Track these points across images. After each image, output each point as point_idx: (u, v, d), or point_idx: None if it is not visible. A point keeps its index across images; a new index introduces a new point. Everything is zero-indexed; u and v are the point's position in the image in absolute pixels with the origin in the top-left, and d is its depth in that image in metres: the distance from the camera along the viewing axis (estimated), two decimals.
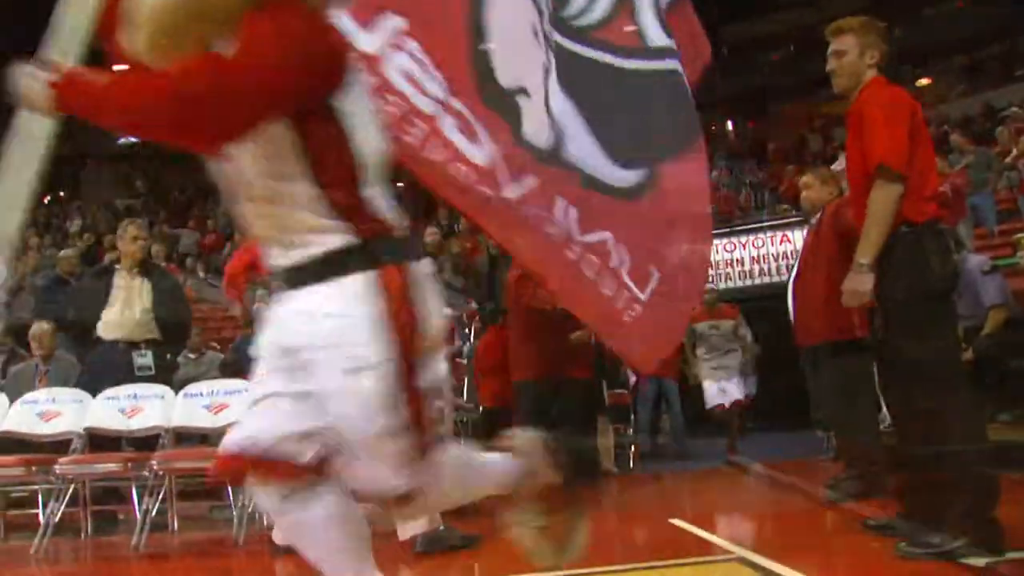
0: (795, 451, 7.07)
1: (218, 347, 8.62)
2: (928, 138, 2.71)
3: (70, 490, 4.09)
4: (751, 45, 23.39)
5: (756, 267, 11.29)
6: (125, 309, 4.67)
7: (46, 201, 22.38)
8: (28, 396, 4.55)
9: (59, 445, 4.33)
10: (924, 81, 19.29)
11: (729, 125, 23.63)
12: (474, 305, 8.47)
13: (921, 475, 2.80)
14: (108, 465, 3.95)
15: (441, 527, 3.33)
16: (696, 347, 7.63)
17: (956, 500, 2.46)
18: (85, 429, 4.27)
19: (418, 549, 3.23)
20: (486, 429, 6.17)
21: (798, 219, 10.79)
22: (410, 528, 3.26)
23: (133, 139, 23.68)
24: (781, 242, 11.20)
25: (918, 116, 2.65)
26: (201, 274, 14.06)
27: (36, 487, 4.24)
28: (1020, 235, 4.38)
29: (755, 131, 22.79)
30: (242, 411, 1.65)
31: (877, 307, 2.67)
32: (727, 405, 7.45)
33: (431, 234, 9.30)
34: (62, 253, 8.39)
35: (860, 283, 2.58)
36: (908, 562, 2.46)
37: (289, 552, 3.31)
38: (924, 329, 2.54)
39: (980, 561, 2.36)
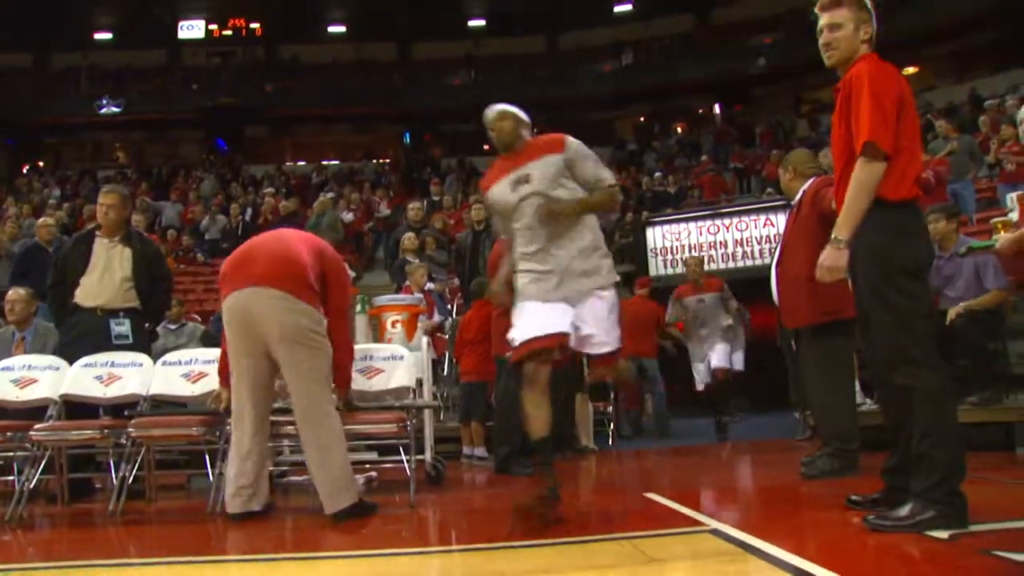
0: (775, 432, 7.16)
1: (199, 319, 8.58)
2: (915, 118, 2.71)
3: (46, 457, 4.06)
4: (739, 29, 23.37)
5: (739, 250, 11.34)
6: (104, 276, 4.62)
7: (25, 171, 22.09)
8: (4, 363, 4.50)
9: (36, 412, 4.30)
10: (911, 69, 19.37)
11: (716, 109, 23.64)
12: (456, 281, 8.47)
13: (894, 450, 2.87)
14: (84, 432, 3.92)
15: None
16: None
17: (925, 474, 2.50)
18: (61, 396, 4.25)
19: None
20: (465, 404, 6.21)
21: (782, 202, 10.85)
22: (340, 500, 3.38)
23: (115, 109, 23.51)
24: (765, 225, 11.25)
25: (907, 95, 2.65)
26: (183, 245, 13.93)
27: (11, 454, 4.21)
28: (996, 220, 4.42)
29: (742, 115, 22.82)
30: None
31: (855, 286, 2.70)
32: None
33: (415, 209, 9.25)
34: (40, 220, 8.28)
35: (836, 259, 2.61)
36: (876, 534, 2.51)
37: (245, 518, 3.42)
38: (898, 307, 2.57)
39: (945, 533, 2.41)
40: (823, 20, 2.82)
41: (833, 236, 2.62)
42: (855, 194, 2.58)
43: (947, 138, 9.92)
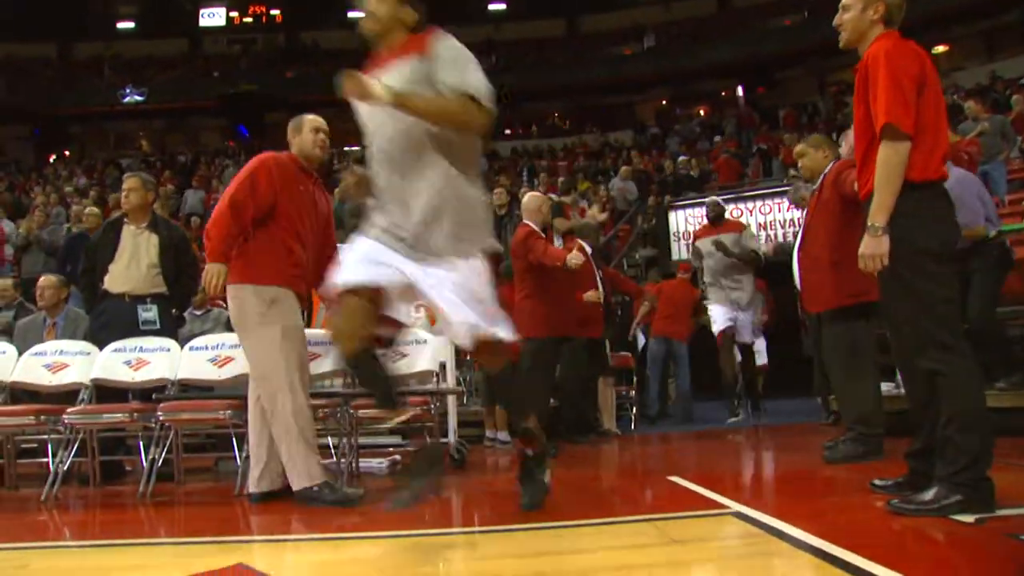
0: (795, 417, 7.13)
1: (223, 304, 8.66)
2: (939, 97, 2.67)
3: (78, 440, 4.15)
4: (762, 11, 23.06)
5: (763, 233, 11.25)
6: (131, 263, 4.70)
7: (52, 160, 22.42)
8: (36, 348, 4.61)
9: (68, 396, 4.40)
10: (940, 48, 19.01)
11: (739, 91, 23.37)
12: None
13: (919, 434, 2.85)
14: (114, 415, 4.01)
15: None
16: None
17: (951, 458, 2.49)
18: (92, 381, 4.34)
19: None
20: (488, 388, 6.24)
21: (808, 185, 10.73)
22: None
23: (138, 98, 23.75)
24: (789, 208, 11.14)
25: (928, 74, 2.61)
26: None
27: (45, 437, 4.31)
28: None
29: (765, 97, 22.55)
30: None
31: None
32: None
33: None
34: (87, 210, 8.41)
35: (876, 246, 2.56)
36: (901, 518, 2.50)
37: (264, 500, 3.47)
38: (922, 290, 2.54)
39: (970, 518, 2.39)
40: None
41: (869, 224, 2.58)
42: (884, 177, 2.55)
43: (977, 119, 9.73)
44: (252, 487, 3.56)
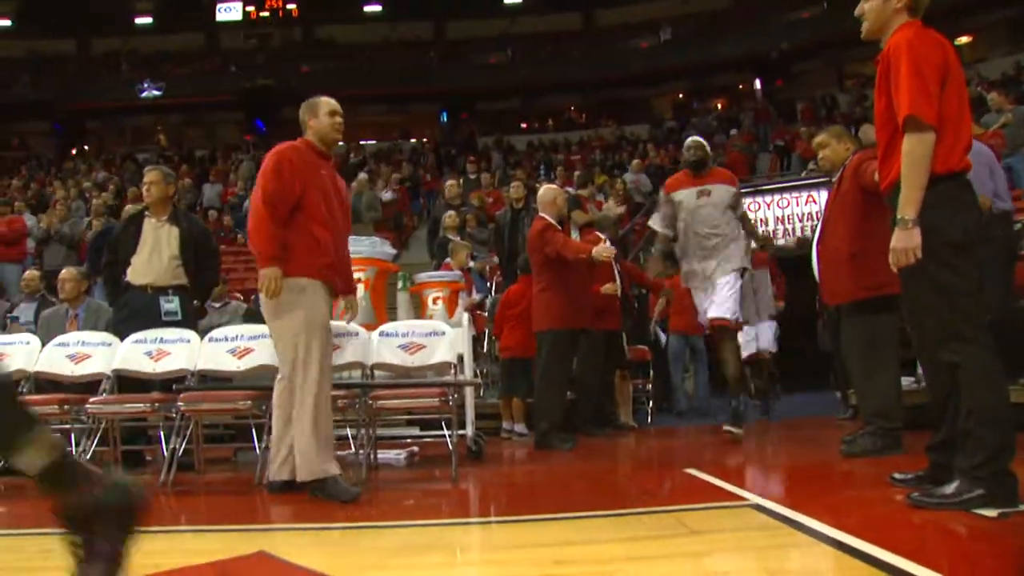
0: (811, 411, 7.09)
1: (241, 297, 8.75)
2: (962, 88, 2.63)
3: (100, 429, 4.21)
4: (779, 3, 22.85)
5: (781, 227, 11.19)
6: (153, 255, 4.74)
7: (73, 153, 22.65)
8: (59, 339, 4.67)
9: (90, 386, 4.46)
10: (964, 39, 18.73)
11: (757, 84, 23.19)
12: (496, 259, 8.51)
13: (939, 427, 2.82)
14: (136, 405, 4.06)
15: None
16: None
17: (972, 452, 2.46)
18: (113, 371, 4.39)
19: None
20: (507, 380, 6.26)
21: (825, 179, 10.65)
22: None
23: (155, 93, 23.92)
24: (807, 202, 11.07)
25: (952, 64, 2.58)
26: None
27: (68, 426, 4.36)
28: None
29: (783, 90, 22.36)
30: None
31: None
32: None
33: (451, 186, 9.28)
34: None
35: (907, 239, 2.52)
36: (921, 511, 2.48)
37: (284, 490, 3.46)
38: (944, 282, 2.52)
39: (993, 512, 2.37)
40: None
41: (899, 217, 2.53)
42: (909, 169, 2.51)
43: (1001, 110, 9.59)
44: (272, 475, 3.58)
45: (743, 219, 5.44)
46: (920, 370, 5.23)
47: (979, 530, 2.29)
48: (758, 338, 7.20)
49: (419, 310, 5.47)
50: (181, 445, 4.08)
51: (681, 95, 24.77)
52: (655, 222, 5.71)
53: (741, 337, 6.00)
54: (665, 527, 2.54)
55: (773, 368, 7.83)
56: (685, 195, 5.29)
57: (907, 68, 2.52)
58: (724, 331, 5.18)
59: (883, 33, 2.73)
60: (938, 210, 2.52)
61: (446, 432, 4.25)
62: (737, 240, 5.25)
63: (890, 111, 2.60)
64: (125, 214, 7.18)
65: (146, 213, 4.88)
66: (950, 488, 2.49)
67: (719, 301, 5.14)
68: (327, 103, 3.71)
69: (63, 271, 5.73)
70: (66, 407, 4.12)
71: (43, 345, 4.65)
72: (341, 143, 3.85)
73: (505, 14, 25.52)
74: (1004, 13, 19.22)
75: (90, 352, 4.52)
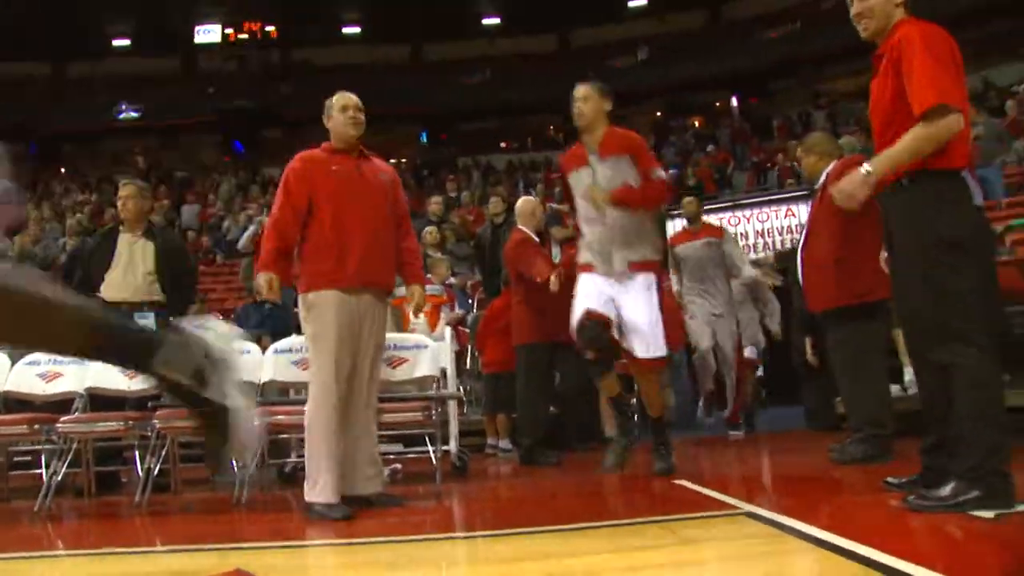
0: (791, 424, 7.06)
1: (220, 316, 8.61)
2: (963, 82, 2.63)
3: (72, 450, 4.07)
4: (754, 23, 23.20)
5: (761, 240, 11.26)
6: (128, 271, 4.64)
7: (45, 177, 22.36)
8: (30, 357, 4.53)
9: (62, 406, 4.32)
10: None
11: (733, 102, 23.47)
12: (477, 275, 8.45)
13: (932, 429, 2.79)
14: (109, 424, 3.94)
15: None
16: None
17: (968, 453, 2.43)
18: (86, 389, 4.26)
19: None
20: (490, 395, 6.18)
21: (803, 193, 10.76)
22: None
23: (133, 115, 23.74)
24: (786, 216, 11.16)
25: (958, 58, 2.57)
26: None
27: (39, 448, 4.23)
28: None
29: (759, 108, 22.64)
30: None
31: (892, 258, 2.62)
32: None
33: (435, 203, 9.26)
34: (74, 218, 8.33)
35: (857, 185, 2.50)
36: (918, 514, 2.44)
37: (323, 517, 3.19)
38: (939, 280, 2.49)
39: (990, 513, 2.33)
40: None
41: (865, 166, 2.51)
42: (916, 144, 2.46)
43: (973, 123, 9.73)
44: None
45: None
46: (908, 377, 5.25)
47: (976, 532, 2.24)
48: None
49: (400, 323, 5.39)
50: (156, 465, 3.96)
51: (659, 113, 24.98)
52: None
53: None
54: (657, 537, 2.48)
55: (756, 381, 7.80)
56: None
57: (925, 57, 2.49)
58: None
59: (884, 32, 2.70)
60: (934, 207, 2.49)
61: (430, 448, 4.16)
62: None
63: (894, 105, 2.56)
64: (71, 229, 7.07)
65: (120, 228, 4.78)
66: (946, 490, 2.44)
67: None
68: (338, 100, 3.63)
69: None
70: (36, 427, 3.98)
71: (12, 364, 4.51)
72: None
73: (483, 35, 25.69)
74: (970, 34, 19.66)
75: (61, 370, 4.39)
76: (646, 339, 3.94)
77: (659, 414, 4.28)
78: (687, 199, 6.78)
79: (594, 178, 4.02)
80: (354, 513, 3.18)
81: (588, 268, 4.09)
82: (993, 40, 18.58)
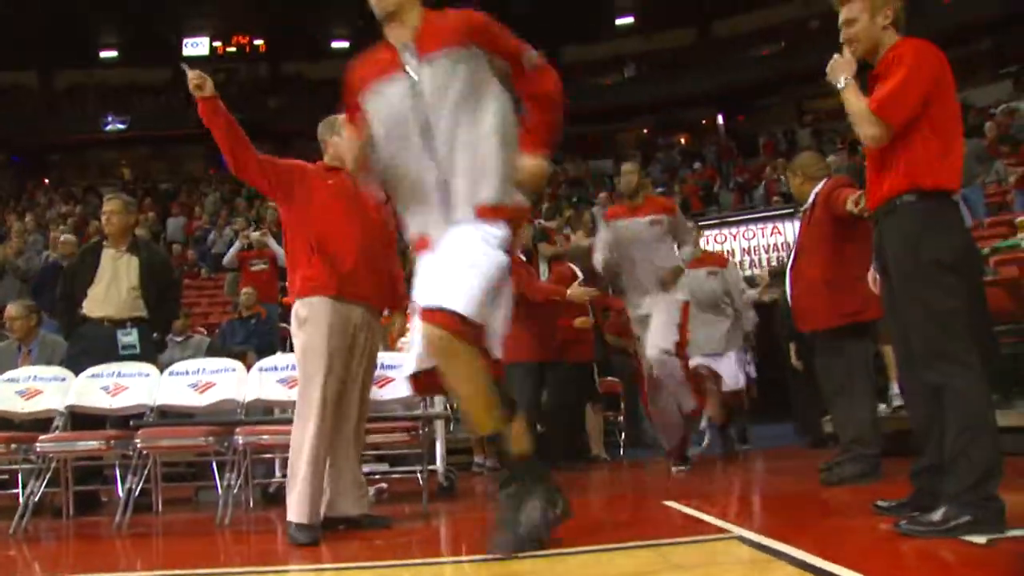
0: (777, 442, 7.06)
1: (204, 331, 8.53)
2: (955, 105, 2.64)
3: (50, 469, 3.99)
4: (741, 41, 23.44)
5: (747, 258, 11.31)
6: (111, 286, 4.58)
7: (30, 187, 22.16)
8: (9, 374, 4.47)
9: (41, 424, 4.24)
10: None
11: (719, 119, 23.67)
12: None
13: (923, 452, 2.78)
14: (90, 443, 3.86)
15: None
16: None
17: (960, 476, 2.42)
18: (67, 407, 4.19)
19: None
20: None
21: (789, 210, 10.84)
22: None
23: (120, 127, 23.61)
24: (772, 234, 11.23)
25: (947, 79, 2.59)
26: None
27: (16, 467, 4.14)
28: (1022, 218, 4.35)
29: (744, 125, 22.84)
30: None
31: (885, 279, 2.62)
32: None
33: None
34: (63, 237, 8.21)
35: (843, 67, 2.67)
36: (909, 540, 2.42)
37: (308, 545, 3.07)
38: (931, 302, 2.49)
39: (982, 538, 2.32)
40: (841, 15, 2.77)
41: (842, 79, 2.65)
42: (852, 107, 2.60)
43: None
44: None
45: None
46: (892, 391, 5.26)
47: (969, 557, 2.23)
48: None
49: (387, 342, 5.34)
50: (138, 485, 3.89)
51: (646, 130, 25.13)
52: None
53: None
54: (648, 562, 2.44)
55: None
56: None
57: (904, 73, 2.52)
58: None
59: (876, 53, 2.72)
60: (925, 227, 2.50)
61: (416, 467, 4.11)
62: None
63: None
64: (61, 246, 6.99)
65: (104, 243, 4.72)
66: (937, 515, 2.43)
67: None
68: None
69: (8, 308, 5.51)
70: (13, 446, 3.90)
71: None
72: None
73: None
74: (949, 55, 19.89)
75: (42, 387, 4.32)
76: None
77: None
78: (626, 165, 5.32)
79: (415, 90, 2.61)
80: (324, 537, 3.11)
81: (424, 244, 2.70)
82: (972, 61, 18.87)
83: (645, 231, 5.00)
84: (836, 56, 2.71)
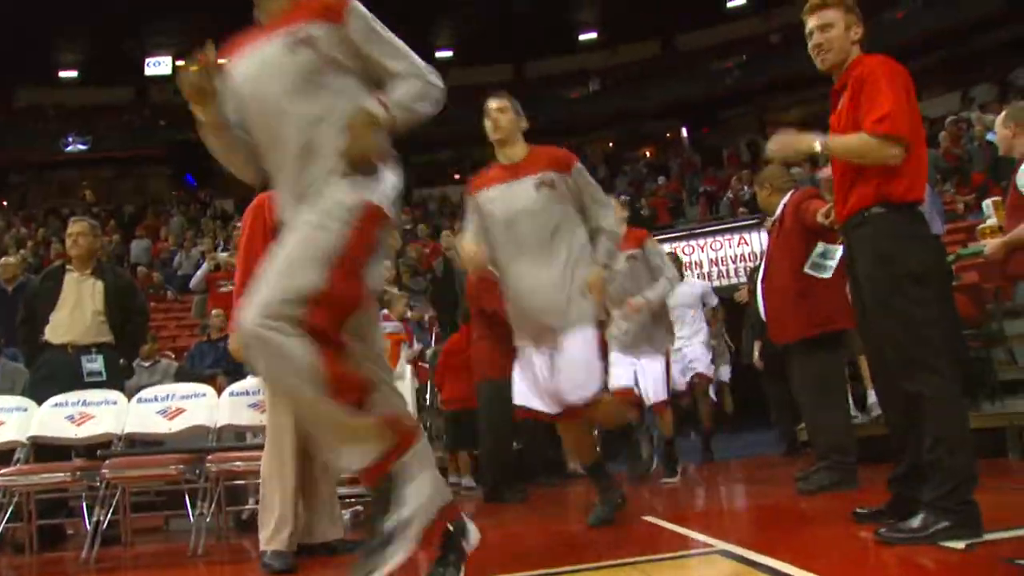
0: (753, 450, 7.09)
1: (172, 356, 8.37)
2: (918, 115, 2.68)
3: (12, 504, 3.85)
4: (703, 54, 23.80)
5: (715, 269, 11.42)
6: (75, 311, 4.45)
7: None
8: None
9: (4, 457, 4.11)
10: None
11: (684, 132, 23.96)
12: (431, 312, 8.38)
13: (901, 459, 2.81)
14: (55, 475, 3.74)
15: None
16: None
17: (937, 482, 2.44)
18: (30, 439, 4.06)
19: None
20: (452, 432, 6.08)
21: (755, 221, 10.99)
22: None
23: (82, 147, 23.18)
24: (739, 244, 11.35)
25: (912, 90, 2.63)
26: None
27: None
28: (982, 226, 4.45)
29: (709, 137, 23.14)
30: None
31: (855, 289, 2.65)
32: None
33: (391, 238, 9.17)
34: (1, 260, 7.98)
35: (795, 140, 2.69)
36: (889, 547, 2.43)
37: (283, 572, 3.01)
38: (906, 313, 2.51)
39: (960, 544, 2.34)
40: (811, 23, 2.78)
41: (821, 142, 2.62)
42: (861, 148, 2.55)
43: None
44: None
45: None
46: (871, 401, 5.31)
47: (949, 563, 2.25)
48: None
49: None
50: (106, 517, 3.78)
51: (611, 144, 25.34)
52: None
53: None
54: None
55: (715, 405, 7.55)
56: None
57: (889, 89, 2.54)
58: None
59: (842, 66, 2.76)
60: (898, 240, 2.53)
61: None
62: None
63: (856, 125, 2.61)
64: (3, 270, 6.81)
65: (67, 267, 4.60)
66: (916, 522, 2.45)
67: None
68: None
69: None
70: None
71: None
72: None
73: (437, 67, 25.78)
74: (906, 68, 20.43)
75: (3, 418, 4.18)
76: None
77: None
78: (492, 101, 3.97)
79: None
80: (301, 564, 3.04)
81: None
82: (926, 74, 19.39)
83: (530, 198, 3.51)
84: (774, 137, 2.73)
